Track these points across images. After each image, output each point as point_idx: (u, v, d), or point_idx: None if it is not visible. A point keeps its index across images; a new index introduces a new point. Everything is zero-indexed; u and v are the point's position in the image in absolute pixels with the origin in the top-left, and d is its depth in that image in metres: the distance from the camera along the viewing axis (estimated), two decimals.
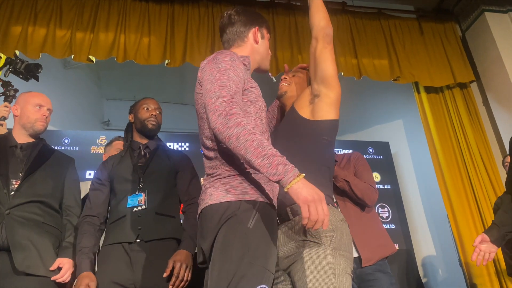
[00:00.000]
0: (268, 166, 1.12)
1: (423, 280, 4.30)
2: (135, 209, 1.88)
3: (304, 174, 1.15)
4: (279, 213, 1.42)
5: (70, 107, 4.77)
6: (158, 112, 2.13)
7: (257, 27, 1.54)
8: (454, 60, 4.20)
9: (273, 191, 1.34)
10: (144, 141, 2.10)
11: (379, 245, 2.07)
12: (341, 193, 2.12)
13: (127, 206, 1.90)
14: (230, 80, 1.29)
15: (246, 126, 1.16)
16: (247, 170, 1.29)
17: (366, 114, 5.21)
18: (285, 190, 1.13)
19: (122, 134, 2.30)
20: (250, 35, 1.53)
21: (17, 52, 3.52)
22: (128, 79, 5.19)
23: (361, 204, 2.12)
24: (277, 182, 1.13)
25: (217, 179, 1.30)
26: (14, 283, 1.73)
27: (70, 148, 4.06)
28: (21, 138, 2.03)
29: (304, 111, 1.57)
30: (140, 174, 1.97)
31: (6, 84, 2.15)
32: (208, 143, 1.35)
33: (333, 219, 1.37)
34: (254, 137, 1.15)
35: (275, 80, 3.89)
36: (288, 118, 1.63)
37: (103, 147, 4.18)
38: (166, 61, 3.74)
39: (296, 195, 1.12)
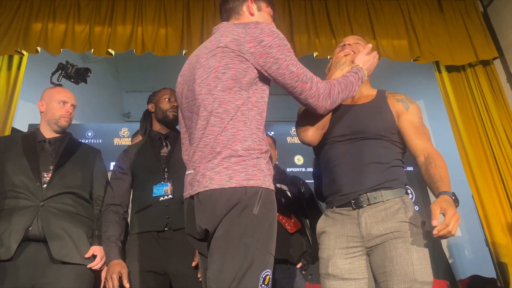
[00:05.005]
0: (359, 80, 1.57)
1: (450, 261, 4.27)
2: (161, 198, 1.91)
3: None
4: (353, 198, 1.53)
5: (91, 100, 4.85)
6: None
7: (250, 0, 1.54)
8: (475, 37, 4.09)
9: (271, 176, 1.33)
10: (164, 131, 2.12)
11: None
12: None
13: (153, 196, 1.92)
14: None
15: (337, 86, 1.46)
16: (251, 153, 1.27)
17: None
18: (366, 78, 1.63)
19: None
20: (245, 8, 1.52)
21: (39, 49, 3.59)
22: (146, 70, 5.23)
23: None
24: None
25: (219, 160, 1.26)
26: (52, 272, 1.80)
27: (94, 141, 4.15)
28: (48, 133, 2.08)
29: None
30: (164, 164, 1.99)
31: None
32: (215, 116, 1.30)
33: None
34: (342, 86, 1.48)
35: None
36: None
37: (126, 138, 4.27)
38: (184, 51, 3.76)
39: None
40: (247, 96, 1.32)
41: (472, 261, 4.32)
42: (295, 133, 5.26)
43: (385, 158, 1.57)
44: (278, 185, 2.35)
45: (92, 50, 3.65)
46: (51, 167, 1.97)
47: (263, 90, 1.38)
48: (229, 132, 1.27)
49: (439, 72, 4.16)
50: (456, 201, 1.38)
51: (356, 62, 1.65)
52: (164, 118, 2.10)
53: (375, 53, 1.70)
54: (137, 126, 3.12)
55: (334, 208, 1.59)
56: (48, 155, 2.01)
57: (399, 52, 3.97)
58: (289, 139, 4.74)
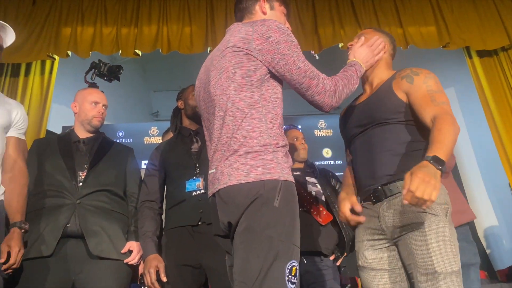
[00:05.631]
0: (357, 72, 1.53)
1: (487, 251, 4.16)
2: (194, 193, 1.94)
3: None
4: (371, 192, 1.52)
5: (121, 101, 4.96)
6: None
7: None
8: (508, 19, 3.94)
9: (289, 168, 1.35)
10: (194, 127, 2.14)
11: (457, 212, 2.00)
12: None
13: (186, 191, 1.95)
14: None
15: (340, 82, 1.44)
16: (267, 148, 1.29)
17: None
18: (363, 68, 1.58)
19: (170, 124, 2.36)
20: (257, 7, 1.53)
21: (69, 53, 3.70)
22: (173, 69, 5.30)
23: None
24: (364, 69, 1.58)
25: (236, 157, 1.28)
26: (90, 267, 1.86)
27: (125, 140, 4.25)
28: (82, 133, 2.14)
29: None
30: (195, 160, 2.02)
31: (93, 86, 2.29)
32: (229, 115, 1.33)
33: (445, 193, 1.47)
34: (344, 81, 1.45)
35: (318, 58, 3.84)
36: None
37: (155, 137, 4.36)
38: (209, 49, 3.79)
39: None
40: (260, 94, 1.34)
41: (510, 250, 4.18)
42: (322, 126, 5.18)
43: (397, 144, 1.50)
44: (307, 178, 2.35)
45: (120, 51, 3.73)
46: (86, 166, 2.02)
47: (275, 86, 1.38)
48: (244, 130, 1.29)
49: (470, 57, 4.04)
50: (437, 164, 1.25)
51: (349, 58, 1.63)
52: (194, 114, 2.13)
53: (371, 41, 1.66)
54: (165, 124, 3.19)
55: (362, 202, 1.60)
56: (82, 154, 2.07)
57: (427, 39, 3.88)
58: (316, 132, 4.70)
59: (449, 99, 1.51)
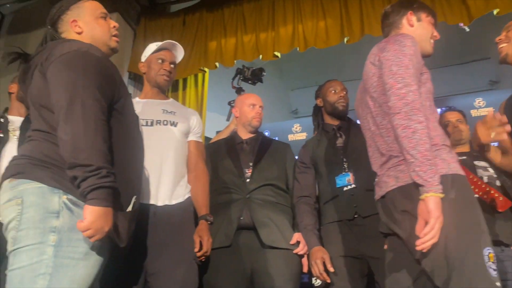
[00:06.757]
0: (428, 169, 1.22)
1: None
2: (345, 188, 1.99)
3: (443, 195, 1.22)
4: None
5: (263, 102, 5.25)
6: (344, 93, 2.22)
7: (410, 12, 1.57)
8: None
9: (456, 163, 1.38)
10: (335, 122, 2.19)
11: None
12: None
13: (337, 186, 2.01)
14: (414, 68, 1.35)
15: (424, 128, 1.26)
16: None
17: None
18: (422, 197, 1.22)
19: (311, 120, 2.43)
20: (404, 21, 1.56)
21: (217, 64, 4.05)
22: (307, 67, 5.39)
23: None
24: (421, 186, 1.23)
25: (399, 161, 1.37)
26: (264, 256, 2.01)
27: None
28: (244, 134, 2.36)
29: None
30: (342, 155, 2.06)
31: (240, 90, 2.51)
32: (381, 128, 1.46)
33: None
34: (427, 141, 1.25)
35: (468, 30, 3.50)
36: None
37: (298, 134, 4.50)
38: (346, 39, 3.74)
39: (430, 207, 1.21)
40: None
41: None
42: (480, 105, 4.71)
43: None
44: (476, 162, 2.19)
45: (261, 56, 3.93)
46: (251, 164, 2.21)
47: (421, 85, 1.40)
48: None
49: None
50: None
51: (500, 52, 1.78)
52: (333, 110, 2.19)
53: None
54: (306, 121, 3.28)
55: None
56: (246, 153, 2.27)
57: None
58: (473, 112, 4.25)
59: None
